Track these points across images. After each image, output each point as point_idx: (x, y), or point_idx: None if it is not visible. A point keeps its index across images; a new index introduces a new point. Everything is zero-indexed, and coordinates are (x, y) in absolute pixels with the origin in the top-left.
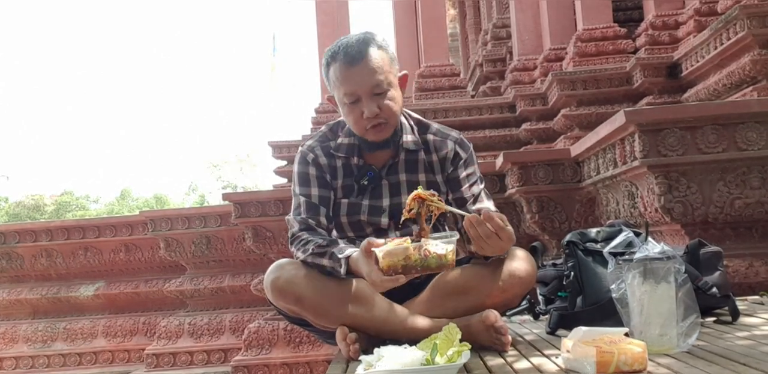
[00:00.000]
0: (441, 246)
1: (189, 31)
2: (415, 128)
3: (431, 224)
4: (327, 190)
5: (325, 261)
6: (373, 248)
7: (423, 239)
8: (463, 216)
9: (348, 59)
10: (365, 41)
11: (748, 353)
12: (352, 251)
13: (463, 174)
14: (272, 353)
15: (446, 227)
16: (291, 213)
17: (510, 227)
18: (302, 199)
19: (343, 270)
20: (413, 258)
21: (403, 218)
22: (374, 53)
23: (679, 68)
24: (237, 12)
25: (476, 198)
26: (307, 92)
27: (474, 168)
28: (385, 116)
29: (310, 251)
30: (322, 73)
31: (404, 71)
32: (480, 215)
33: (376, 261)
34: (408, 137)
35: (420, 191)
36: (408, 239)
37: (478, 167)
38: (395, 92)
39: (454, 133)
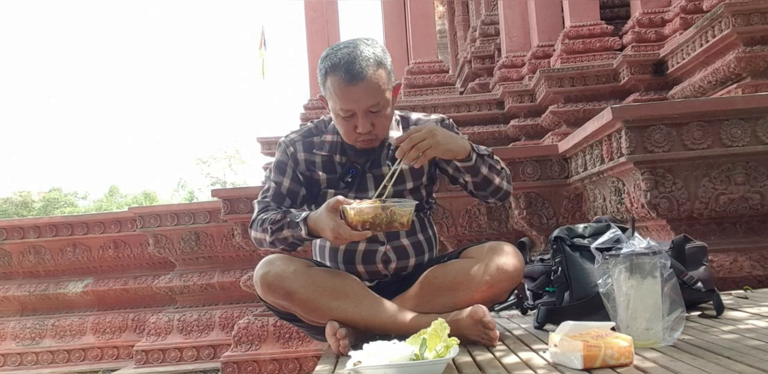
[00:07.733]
0: (402, 209)
1: (177, 27)
2: (401, 124)
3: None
4: (298, 185)
5: (285, 232)
6: (343, 205)
7: (388, 202)
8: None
9: (349, 77)
10: (366, 58)
11: (732, 346)
12: (306, 213)
13: None
14: (262, 349)
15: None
16: (258, 196)
17: (423, 138)
18: (273, 184)
19: (304, 232)
20: (380, 217)
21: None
22: (374, 73)
23: (665, 65)
24: (225, 8)
25: None
26: (295, 89)
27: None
28: (376, 133)
29: (270, 230)
30: (319, 77)
31: (398, 81)
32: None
33: (341, 217)
34: (393, 134)
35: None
36: (377, 200)
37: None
38: (389, 109)
39: (434, 116)
